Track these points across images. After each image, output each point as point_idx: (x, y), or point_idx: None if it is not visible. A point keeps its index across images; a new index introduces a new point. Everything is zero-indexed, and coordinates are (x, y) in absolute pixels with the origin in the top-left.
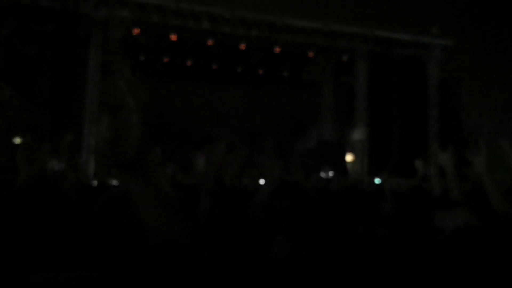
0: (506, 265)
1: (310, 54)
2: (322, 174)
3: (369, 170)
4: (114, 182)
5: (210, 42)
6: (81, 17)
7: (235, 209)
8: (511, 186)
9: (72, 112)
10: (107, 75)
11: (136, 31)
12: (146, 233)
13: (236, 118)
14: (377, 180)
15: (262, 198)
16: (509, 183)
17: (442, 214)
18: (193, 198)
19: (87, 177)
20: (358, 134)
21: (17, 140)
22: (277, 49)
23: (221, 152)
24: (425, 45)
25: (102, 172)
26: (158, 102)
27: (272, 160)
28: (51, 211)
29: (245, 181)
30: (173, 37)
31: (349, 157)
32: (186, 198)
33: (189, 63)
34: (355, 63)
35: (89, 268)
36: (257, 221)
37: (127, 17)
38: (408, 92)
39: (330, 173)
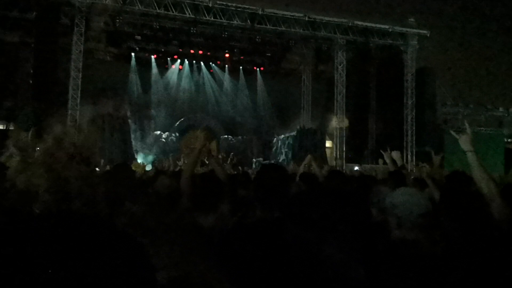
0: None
1: (291, 44)
2: None
3: (347, 157)
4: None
5: (192, 31)
6: (64, 5)
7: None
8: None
9: (54, 99)
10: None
11: (118, 19)
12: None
13: (217, 106)
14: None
15: None
16: None
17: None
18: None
19: None
20: (337, 122)
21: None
22: (258, 39)
23: (203, 139)
24: (402, 35)
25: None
26: (139, 90)
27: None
28: None
29: (227, 168)
30: (156, 26)
31: (328, 144)
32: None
33: (171, 52)
34: (334, 52)
35: None
36: None
37: (110, 6)
38: (385, 81)
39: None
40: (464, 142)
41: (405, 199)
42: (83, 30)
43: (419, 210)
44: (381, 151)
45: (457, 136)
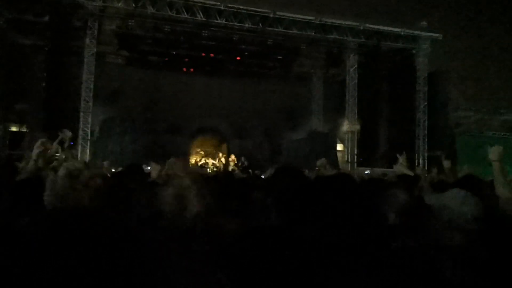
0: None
1: (302, 47)
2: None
3: (358, 161)
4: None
5: (203, 34)
6: (77, 8)
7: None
8: None
9: (67, 101)
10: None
11: (130, 22)
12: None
13: (228, 109)
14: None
15: None
16: None
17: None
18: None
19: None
20: (348, 126)
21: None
22: (269, 42)
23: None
24: (414, 38)
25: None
26: (151, 93)
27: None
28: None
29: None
30: (167, 29)
31: (339, 148)
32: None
33: (182, 55)
34: (345, 55)
35: None
36: None
37: (122, 9)
38: (397, 84)
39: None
40: (495, 153)
41: (459, 201)
42: (95, 33)
43: (472, 214)
44: (397, 155)
45: (489, 150)
